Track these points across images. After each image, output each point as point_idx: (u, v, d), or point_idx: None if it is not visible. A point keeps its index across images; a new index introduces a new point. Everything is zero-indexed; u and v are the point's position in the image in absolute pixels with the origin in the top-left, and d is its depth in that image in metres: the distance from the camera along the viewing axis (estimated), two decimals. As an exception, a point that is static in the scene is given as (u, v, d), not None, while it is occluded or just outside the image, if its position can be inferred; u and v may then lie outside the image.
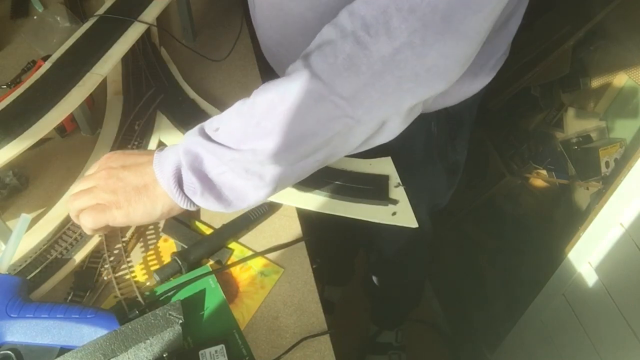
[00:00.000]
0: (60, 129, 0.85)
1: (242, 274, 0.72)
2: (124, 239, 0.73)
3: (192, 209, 0.58)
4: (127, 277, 0.70)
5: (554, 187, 1.12)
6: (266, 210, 0.77)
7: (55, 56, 0.78)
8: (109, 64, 0.78)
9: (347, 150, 0.57)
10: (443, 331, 1.66)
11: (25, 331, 0.59)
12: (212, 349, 0.62)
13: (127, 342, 0.57)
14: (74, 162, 0.81)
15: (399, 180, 0.77)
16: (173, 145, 0.58)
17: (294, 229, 0.77)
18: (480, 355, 1.46)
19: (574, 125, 1.04)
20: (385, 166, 0.79)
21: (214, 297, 0.68)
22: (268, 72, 0.88)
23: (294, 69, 0.53)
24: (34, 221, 0.72)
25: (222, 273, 0.71)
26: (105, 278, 0.70)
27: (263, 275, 0.72)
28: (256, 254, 0.73)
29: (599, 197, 0.94)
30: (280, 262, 0.73)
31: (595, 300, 0.96)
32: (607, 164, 0.96)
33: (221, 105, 0.88)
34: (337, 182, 0.76)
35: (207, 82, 0.95)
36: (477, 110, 0.92)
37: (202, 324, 0.66)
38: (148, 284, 0.70)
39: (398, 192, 0.76)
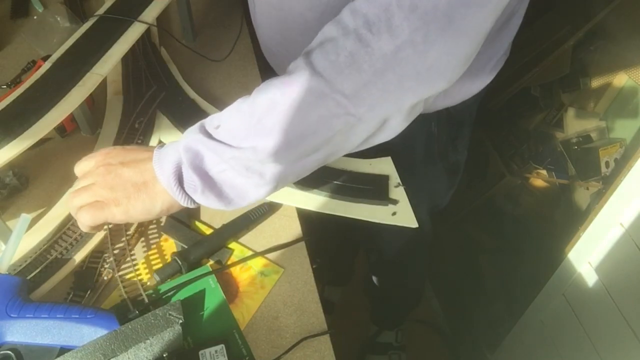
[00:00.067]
0: (60, 129, 0.85)
1: (242, 274, 0.72)
2: (128, 233, 0.73)
3: (192, 206, 0.58)
4: (130, 275, 0.70)
5: (554, 187, 1.12)
6: (266, 210, 0.77)
7: (55, 56, 0.78)
8: (109, 64, 0.78)
9: (348, 148, 0.57)
10: (443, 331, 1.66)
11: (25, 331, 0.59)
12: (212, 349, 0.62)
13: (127, 342, 0.57)
14: (74, 162, 0.80)
15: (399, 180, 0.77)
16: (173, 143, 0.58)
17: (294, 229, 0.77)
18: (480, 355, 1.46)
19: (574, 125, 1.04)
20: (385, 166, 0.79)
21: (214, 297, 0.68)
22: (268, 72, 0.88)
23: (295, 67, 0.53)
24: (34, 221, 0.72)
25: (222, 273, 0.71)
26: (105, 278, 0.70)
27: (263, 275, 0.72)
28: (256, 254, 0.73)
29: (599, 197, 0.94)
30: (280, 262, 0.73)
31: (595, 300, 0.96)
32: (607, 164, 0.96)
33: (221, 105, 0.88)
34: (337, 182, 0.76)
35: (207, 82, 0.95)
36: (477, 110, 0.92)
37: (202, 324, 0.66)
38: (148, 283, 0.70)
39: (398, 192, 0.76)
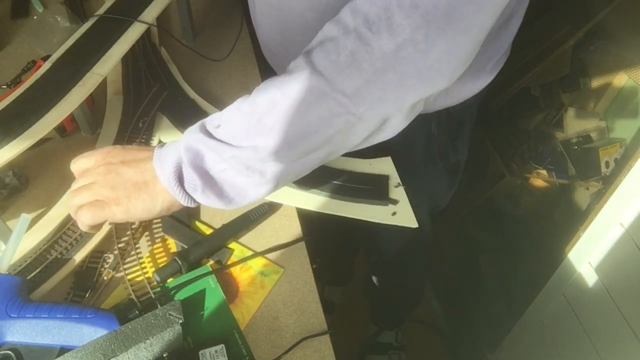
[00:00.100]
0: (60, 129, 0.85)
1: (242, 274, 0.72)
2: (133, 226, 0.74)
3: (193, 205, 0.58)
4: (135, 269, 0.70)
5: (554, 187, 1.12)
6: (266, 210, 0.77)
7: (55, 56, 0.78)
8: (109, 64, 0.78)
9: (348, 147, 0.57)
10: (443, 331, 1.66)
11: (25, 331, 0.59)
12: (212, 349, 0.62)
13: (127, 342, 0.57)
14: (74, 162, 0.81)
15: (399, 180, 0.77)
16: (173, 142, 0.58)
17: (294, 229, 0.77)
18: (480, 355, 1.46)
19: (574, 125, 1.04)
20: (385, 166, 0.79)
21: (214, 297, 0.68)
22: (268, 72, 0.88)
23: (296, 66, 0.53)
24: (34, 221, 0.72)
25: (222, 273, 0.71)
26: (105, 278, 0.70)
27: (263, 275, 0.72)
28: (256, 254, 0.73)
29: (599, 197, 0.94)
30: (280, 262, 0.73)
31: (595, 300, 0.96)
32: (607, 164, 0.96)
33: (221, 105, 0.87)
34: (337, 182, 0.76)
35: (207, 82, 0.95)
36: (477, 110, 0.92)
37: (202, 324, 0.66)
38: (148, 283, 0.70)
39: (398, 192, 0.76)
